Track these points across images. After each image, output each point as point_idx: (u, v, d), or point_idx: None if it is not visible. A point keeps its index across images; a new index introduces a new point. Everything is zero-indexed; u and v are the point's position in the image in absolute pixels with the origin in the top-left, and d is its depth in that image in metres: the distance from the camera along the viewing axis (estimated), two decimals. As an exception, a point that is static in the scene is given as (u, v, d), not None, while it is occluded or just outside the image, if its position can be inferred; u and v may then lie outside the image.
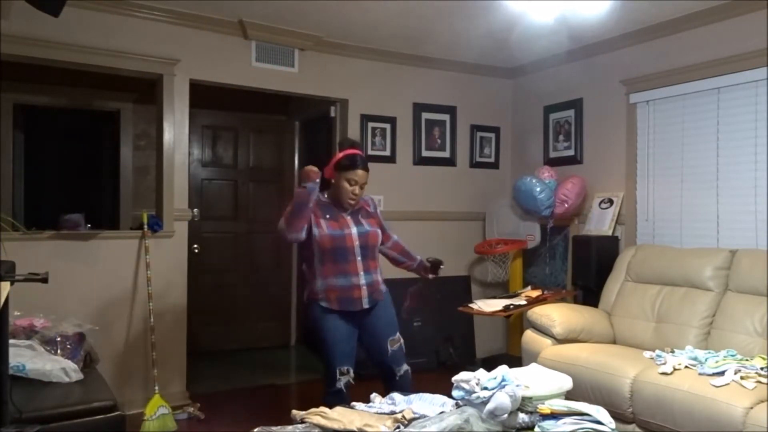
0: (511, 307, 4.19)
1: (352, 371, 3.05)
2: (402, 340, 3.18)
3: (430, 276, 3.32)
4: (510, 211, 5.03)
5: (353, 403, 2.46)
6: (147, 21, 3.94)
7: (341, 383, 3.00)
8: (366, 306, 3.05)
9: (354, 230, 3.04)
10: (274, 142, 5.93)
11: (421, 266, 3.33)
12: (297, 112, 5.86)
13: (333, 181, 3.08)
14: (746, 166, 3.68)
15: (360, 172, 3.02)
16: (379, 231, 3.16)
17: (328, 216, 3.02)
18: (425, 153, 5.13)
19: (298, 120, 5.93)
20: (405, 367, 3.16)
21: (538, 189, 4.55)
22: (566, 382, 2.40)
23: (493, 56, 5.02)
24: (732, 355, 3.05)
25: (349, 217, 3.07)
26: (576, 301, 4.36)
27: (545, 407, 2.22)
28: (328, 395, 2.98)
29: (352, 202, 3.05)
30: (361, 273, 3.03)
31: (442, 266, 3.28)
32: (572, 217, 4.72)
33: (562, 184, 4.59)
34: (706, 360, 3.03)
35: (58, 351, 2.76)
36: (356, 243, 3.03)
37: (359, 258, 3.03)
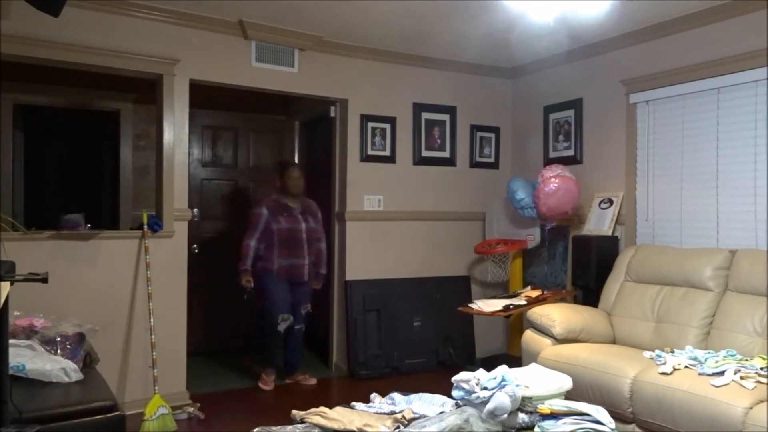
0: (511, 307, 4.19)
1: (292, 319, 4.30)
2: (309, 307, 4.51)
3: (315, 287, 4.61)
4: (509, 211, 5.02)
5: (353, 403, 2.47)
6: (147, 21, 3.94)
7: (282, 327, 4.25)
8: (305, 279, 4.41)
9: (303, 226, 4.40)
10: (274, 142, 5.93)
11: (318, 276, 4.59)
12: (297, 112, 5.86)
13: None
14: (746, 166, 3.68)
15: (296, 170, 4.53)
16: (319, 230, 4.52)
17: (285, 214, 4.36)
18: (425, 153, 5.13)
19: (298, 120, 5.94)
20: (302, 325, 4.46)
21: (519, 190, 4.58)
22: (566, 382, 2.41)
23: (493, 56, 5.02)
24: (732, 355, 3.06)
25: (299, 216, 4.41)
26: (576, 301, 4.36)
27: (545, 407, 2.23)
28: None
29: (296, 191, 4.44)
30: (306, 256, 4.40)
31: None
32: (572, 217, 4.72)
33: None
34: (705, 360, 3.03)
35: (58, 351, 2.76)
36: (303, 236, 4.38)
37: (305, 246, 4.39)
